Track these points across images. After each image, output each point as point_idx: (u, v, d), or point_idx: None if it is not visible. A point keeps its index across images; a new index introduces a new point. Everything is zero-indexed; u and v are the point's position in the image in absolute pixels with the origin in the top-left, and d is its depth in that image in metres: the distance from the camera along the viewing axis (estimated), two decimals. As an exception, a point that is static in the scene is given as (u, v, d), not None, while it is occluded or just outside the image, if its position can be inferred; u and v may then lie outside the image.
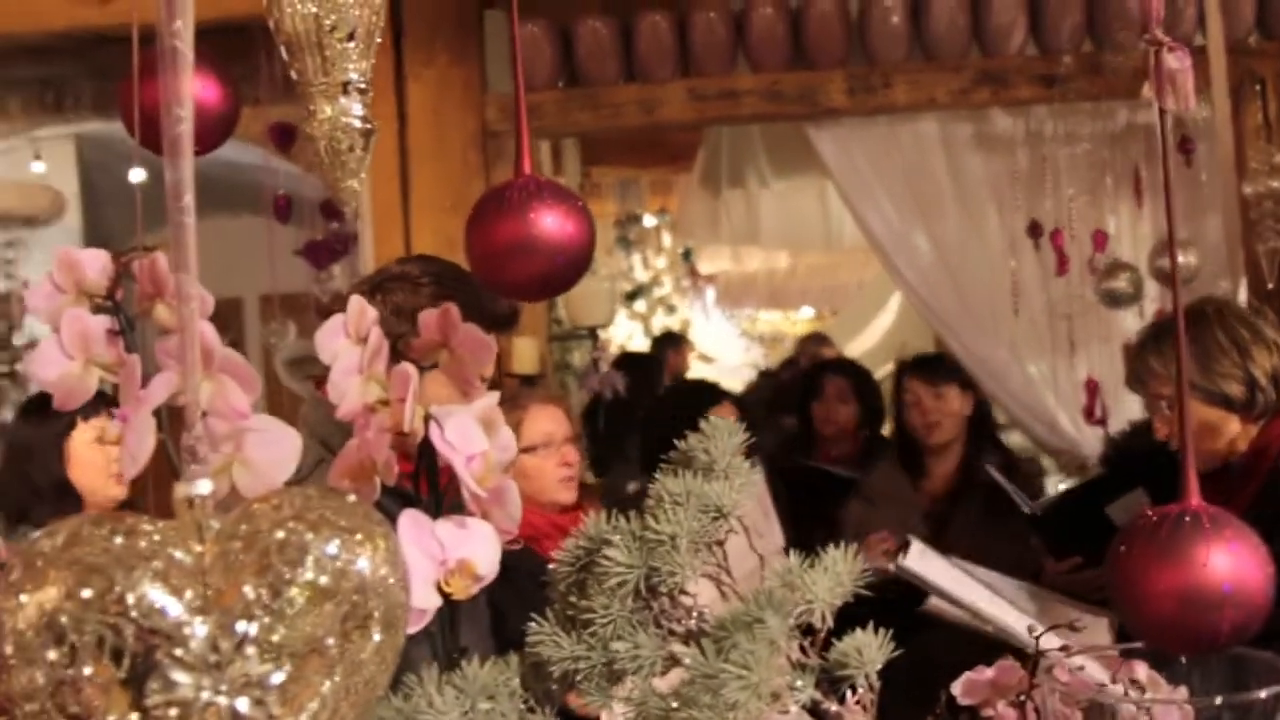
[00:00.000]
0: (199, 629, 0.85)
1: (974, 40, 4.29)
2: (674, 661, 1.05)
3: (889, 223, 4.41)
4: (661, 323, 8.95)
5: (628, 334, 8.48)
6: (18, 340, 5.74)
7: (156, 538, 0.87)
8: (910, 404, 3.91)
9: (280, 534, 0.87)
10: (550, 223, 1.09)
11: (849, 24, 4.33)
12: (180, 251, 0.87)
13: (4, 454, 3.37)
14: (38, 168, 6.13)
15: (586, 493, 3.03)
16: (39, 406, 3.38)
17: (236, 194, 5.27)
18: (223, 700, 0.85)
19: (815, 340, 8.06)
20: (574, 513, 2.80)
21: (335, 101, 1.12)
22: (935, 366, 4.03)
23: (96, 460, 3.27)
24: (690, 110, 4.33)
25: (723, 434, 1.09)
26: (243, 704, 0.85)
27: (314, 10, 1.10)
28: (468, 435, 1.09)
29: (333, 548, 0.86)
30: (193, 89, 1.16)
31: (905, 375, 4.01)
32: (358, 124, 1.12)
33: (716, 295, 9.83)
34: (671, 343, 7.92)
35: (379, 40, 1.17)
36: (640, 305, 8.67)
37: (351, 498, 0.89)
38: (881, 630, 1.05)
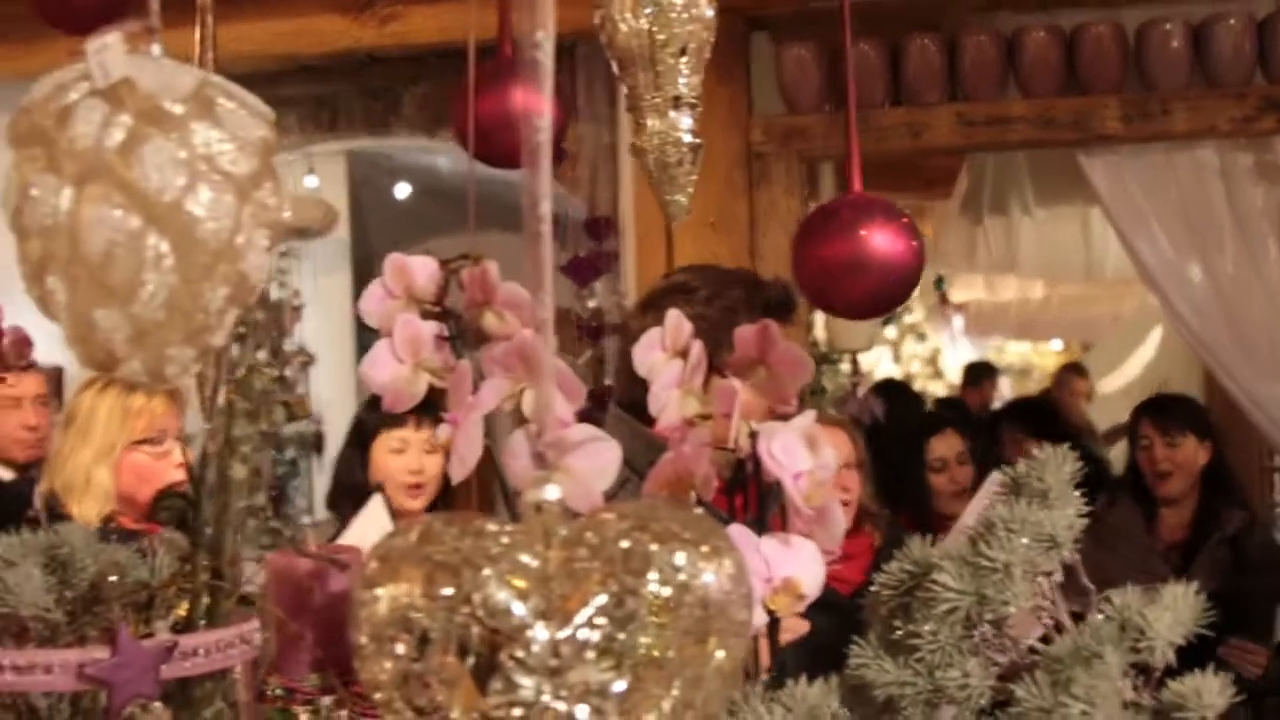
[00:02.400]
0: (541, 633, 0.86)
1: (1259, 66, 4.13)
2: (1000, 692, 1.02)
3: (1162, 253, 4.26)
4: (911, 350, 8.84)
5: (876, 360, 8.40)
6: (288, 347, 5.95)
7: (504, 540, 0.88)
8: (1143, 448, 3.76)
9: (626, 543, 0.87)
10: (881, 241, 1.08)
11: (1125, 48, 4.21)
12: (536, 261, 0.88)
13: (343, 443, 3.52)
14: (311, 182, 6.36)
15: (866, 518, 3.01)
16: (372, 404, 3.51)
17: (500, 211, 5.39)
18: (562, 706, 0.85)
19: (1072, 370, 7.87)
20: (855, 538, 2.78)
21: (665, 116, 1.12)
22: (1172, 411, 3.82)
23: (391, 469, 3.37)
24: (958, 136, 4.27)
25: (1057, 462, 1.06)
26: (582, 711, 0.85)
27: (646, 26, 1.10)
28: (794, 452, 1.08)
29: (679, 560, 0.86)
30: (527, 100, 1.18)
31: (1141, 414, 3.86)
32: (687, 138, 1.12)
33: (965, 324, 9.66)
34: (986, 374, 7.83)
35: (708, 56, 1.17)
36: (891, 332, 8.58)
37: (698, 511, 0.89)
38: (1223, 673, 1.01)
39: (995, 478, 1.11)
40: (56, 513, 2.96)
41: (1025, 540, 1.01)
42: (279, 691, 1.45)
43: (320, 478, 6.07)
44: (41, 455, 3.84)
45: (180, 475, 3.03)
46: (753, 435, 1.10)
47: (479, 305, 1.17)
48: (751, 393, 1.16)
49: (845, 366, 5.70)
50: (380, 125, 5.53)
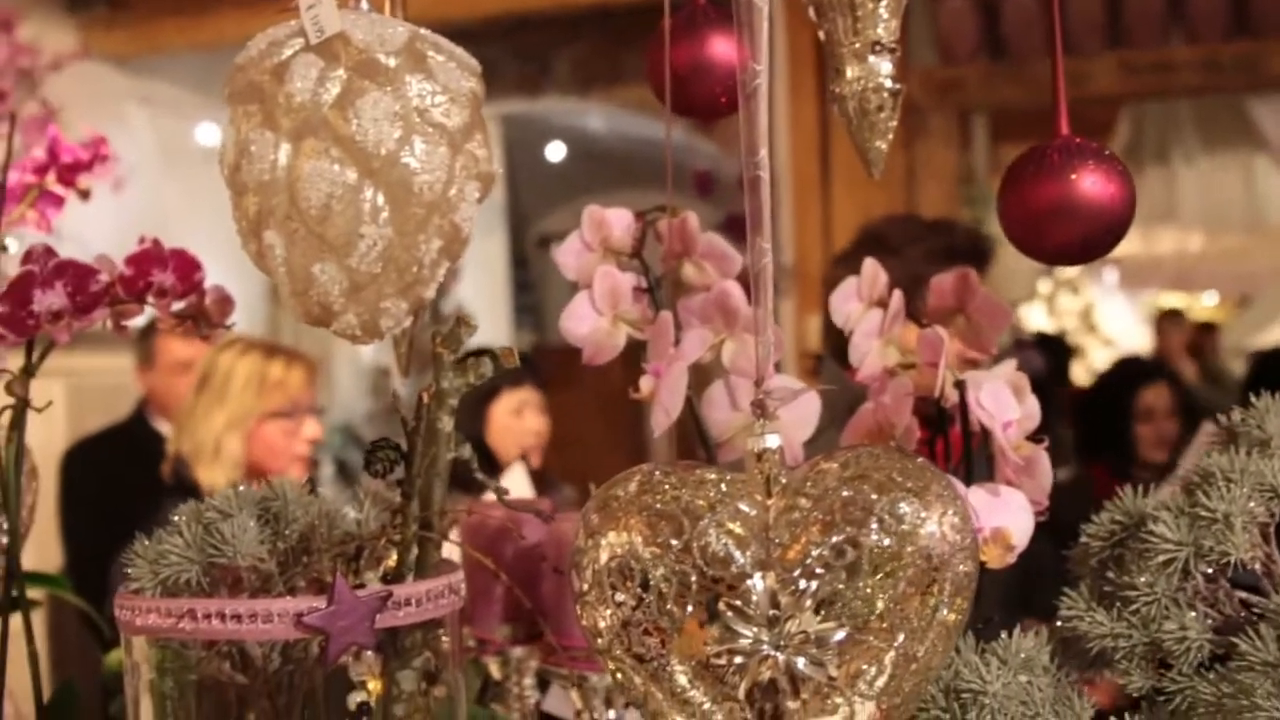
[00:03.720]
0: (760, 582, 0.86)
1: None
2: (1218, 645, 1.00)
3: (1334, 201, 4.15)
4: (1065, 305, 8.69)
5: (1029, 315, 8.27)
6: (445, 307, 6.03)
7: (724, 488, 0.88)
8: None
9: (847, 492, 0.86)
10: (1091, 185, 1.05)
11: (1297, -12, 4.08)
12: (754, 207, 0.88)
13: None
14: (468, 148, 6.42)
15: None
16: None
17: (655, 170, 5.40)
18: (780, 655, 0.85)
19: (1171, 317, 7.69)
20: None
21: (864, 62, 1.10)
22: None
23: (512, 430, 3.41)
24: (1120, 84, 4.18)
25: (1278, 410, 1.03)
26: (801, 661, 0.85)
27: (845, -30, 1.08)
28: (1002, 401, 1.06)
29: (902, 509, 0.85)
30: (724, 50, 1.17)
31: None
32: (887, 84, 1.10)
33: (1119, 277, 9.47)
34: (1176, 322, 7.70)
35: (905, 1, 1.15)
36: (1044, 286, 8.44)
37: (921, 460, 0.88)
38: None
39: (1209, 428, 1.09)
40: (184, 477, 3.00)
41: (1245, 490, 0.99)
42: (470, 643, 1.47)
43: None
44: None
45: (307, 451, 3.06)
46: (959, 384, 1.09)
47: (677, 256, 1.17)
48: (955, 341, 1.14)
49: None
50: (533, 87, 5.56)
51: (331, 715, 1.09)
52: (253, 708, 1.08)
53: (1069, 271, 8.72)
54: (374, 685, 1.08)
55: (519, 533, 1.21)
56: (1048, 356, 5.30)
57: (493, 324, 6.56)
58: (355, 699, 1.07)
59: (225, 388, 3.01)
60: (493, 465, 3.40)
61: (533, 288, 7.51)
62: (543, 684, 1.59)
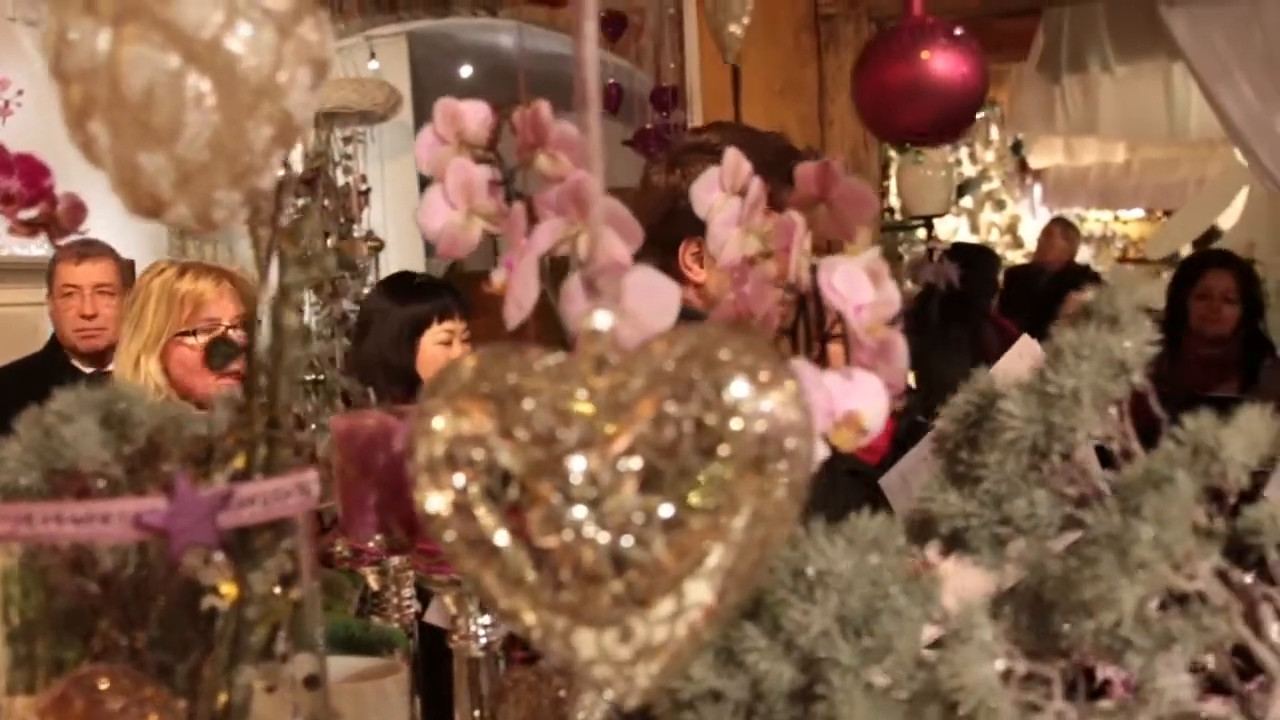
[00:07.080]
0: (583, 463, 0.84)
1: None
2: (1069, 524, 0.99)
3: (1248, 107, 4.13)
4: (989, 219, 8.71)
5: (953, 229, 8.27)
6: (357, 232, 5.96)
7: (553, 370, 0.86)
8: None
9: (677, 370, 0.84)
10: (943, 65, 1.04)
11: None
12: (581, 76, 0.85)
13: (362, 318, 3.52)
14: (373, 65, 6.34)
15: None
16: (403, 288, 3.53)
17: (562, 87, 5.34)
18: (604, 537, 0.83)
19: (1060, 225, 7.75)
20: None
21: (716, -56, 1.08)
22: None
23: (438, 360, 3.39)
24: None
25: (1127, 287, 1.02)
26: (626, 541, 0.83)
27: None
28: (856, 284, 1.05)
29: (733, 386, 0.83)
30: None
31: None
32: (740, -34, 1.07)
33: (1044, 192, 9.49)
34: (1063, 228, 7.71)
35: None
36: (967, 201, 8.45)
37: (752, 338, 0.86)
38: (1301, 497, 0.97)
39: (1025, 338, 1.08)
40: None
41: (1094, 365, 0.98)
42: (346, 553, 1.46)
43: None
44: (102, 345, 3.89)
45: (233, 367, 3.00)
46: (813, 269, 1.07)
47: (531, 147, 1.15)
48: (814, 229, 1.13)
49: (921, 233, 5.63)
50: (440, 5, 5.49)
51: (185, 621, 1.07)
52: (105, 617, 1.06)
53: (993, 184, 8.74)
54: (228, 590, 1.06)
55: (373, 443, 1.19)
56: (973, 267, 5.31)
57: (405, 249, 6.45)
58: (207, 603, 1.06)
59: (142, 312, 2.94)
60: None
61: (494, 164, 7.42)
62: (424, 597, 1.58)
